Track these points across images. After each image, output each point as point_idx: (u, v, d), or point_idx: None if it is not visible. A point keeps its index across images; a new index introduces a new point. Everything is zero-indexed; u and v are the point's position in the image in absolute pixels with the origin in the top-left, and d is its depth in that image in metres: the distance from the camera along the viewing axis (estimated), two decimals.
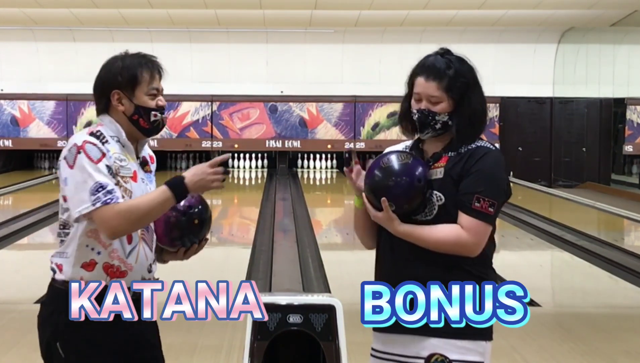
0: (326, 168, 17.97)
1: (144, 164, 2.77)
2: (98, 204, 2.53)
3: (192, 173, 2.62)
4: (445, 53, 2.64)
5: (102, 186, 2.55)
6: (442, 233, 2.52)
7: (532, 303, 6.46)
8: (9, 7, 14.82)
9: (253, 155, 18.02)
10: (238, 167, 18.02)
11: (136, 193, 2.65)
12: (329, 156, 18.00)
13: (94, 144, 2.59)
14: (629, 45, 17.70)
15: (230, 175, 17.60)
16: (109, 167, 2.59)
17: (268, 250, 8.52)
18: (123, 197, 2.60)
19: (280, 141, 17.60)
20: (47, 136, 17.39)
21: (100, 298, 2.56)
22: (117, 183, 2.61)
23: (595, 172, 17.53)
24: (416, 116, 2.63)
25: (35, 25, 16.54)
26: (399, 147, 2.78)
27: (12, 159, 17.84)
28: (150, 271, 2.71)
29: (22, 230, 9.81)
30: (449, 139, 2.62)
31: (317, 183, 17.02)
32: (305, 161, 18.11)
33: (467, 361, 2.52)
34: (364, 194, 2.62)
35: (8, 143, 17.43)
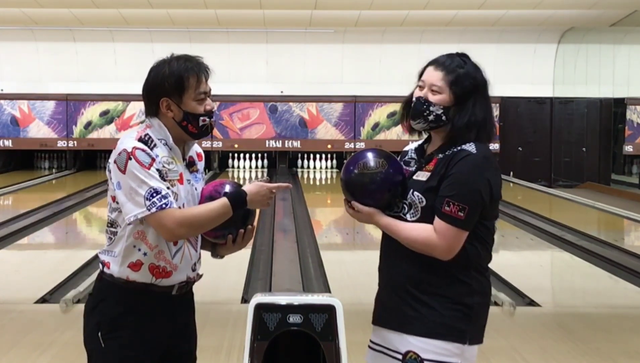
0: (326, 168, 17.97)
1: (190, 164, 2.81)
2: (154, 209, 2.60)
3: (254, 191, 2.73)
4: (463, 55, 2.67)
5: (156, 191, 2.61)
6: (415, 232, 2.56)
7: (532, 303, 6.46)
8: (9, 7, 14.83)
9: (253, 155, 18.02)
10: (238, 167, 18.02)
11: (182, 196, 2.69)
12: (329, 156, 18.01)
13: (143, 150, 2.63)
14: (629, 45, 17.70)
15: (230, 175, 17.60)
16: (159, 171, 2.64)
17: (268, 250, 8.52)
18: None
19: (280, 141, 17.60)
20: (47, 136, 17.38)
21: (145, 294, 2.67)
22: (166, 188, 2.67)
23: (595, 172, 17.53)
24: (413, 103, 2.66)
25: (35, 25, 16.53)
26: (412, 146, 2.81)
27: (12, 159, 17.84)
28: (194, 269, 2.78)
29: (22, 230, 9.81)
30: (443, 141, 2.63)
31: (317, 183, 17.03)
32: (305, 161, 18.12)
33: (441, 362, 2.54)
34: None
35: (8, 143, 17.43)
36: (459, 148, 2.58)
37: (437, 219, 2.53)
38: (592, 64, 17.75)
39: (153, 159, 2.63)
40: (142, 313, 2.68)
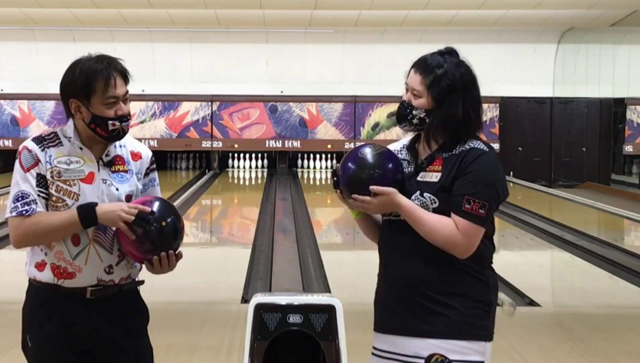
0: (326, 168, 17.97)
1: (110, 164, 2.72)
2: (13, 214, 2.61)
3: (107, 205, 2.63)
4: (446, 53, 2.64)
5: (22, 196, 2.62)
6: (439, 225, 2.52)
7: (532, 303, 6.46)
8: (9, 7, 14.83)
9: (253, 155, 18.02)
10: (238, 167, 18.02)
11: (87, 194, 2.65)
12: (329, 156, 18.00)
13: (30, 151, 2.65)
14: (629, 45, 17.70)
15: (230, 175, 17.60)
16: (40, 175, 2.63)
17: (268, 250, 8.52)
18: (62, 203, 2.62)
19: (280, 141, 17.60)
20: None
21: (55, 295, 2.67)
22: (58, 188, 2.63)
23: (595, 172, 17.53)
24: (398, 107, 2.67)
25: (35, 25, 16.54)
26: (397, 145, 2.78)
27: (12, 159, 17.71)
28: (110, 273, 2.69)
29: None
30: (443, 140, 2.62)
31: (317, 183, 17.02)
32: (305, 161, 18.11)
33: (467, 361, 2.52)
34: (340, 188, 2.65)
35: (8, 143, 17.44)
36: (467, 146, 2.57)
37: (457, 217, 2.51)
38: (592, 64, 17.75)
39: (37, 162, 2.63)
40: (55, 314, 2.68)
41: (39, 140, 2.67)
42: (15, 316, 6.02)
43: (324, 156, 18.02)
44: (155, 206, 2.64)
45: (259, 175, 17.49)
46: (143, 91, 16.63)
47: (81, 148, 2.69)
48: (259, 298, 2.75)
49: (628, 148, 17.67)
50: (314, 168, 18.05)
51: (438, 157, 2.60)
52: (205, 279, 6.87)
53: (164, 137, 17.31)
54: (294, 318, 2.70)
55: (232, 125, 17.50)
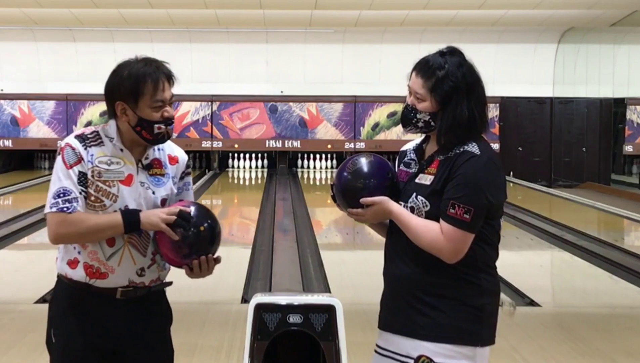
0: (326, 168, 17.97)
1: (148, 167, 2.73)
2: (54, 209, 2.61)
3: (151, 211, 2.64)
4: (447, 53, 2.62)
5: (64, 193, 2.61)
6: (424, 229, 2.52)
7: (532, 303, 6.46)
8: (9, 7, 14.82)
9: (253, 155, 18.01)
10: (238, 167, 18.02)
11: (126, 196, 2.65)
12: (329, 156, 18.00)
13: (73, 148, 2.64)
14: (629, 45, 17.70)
15: (230, 175, 17.60)
16: (82, 173, 2.62)
17: (268, 250, 8.52)
18: (100, 204, 2.62)
19: (280, 141, 17.60)
20: (47, 136, 17.38)
21: (85, 293, 2.66)
22: (97, 188, 2.63)
23: (595, 172, 17.53)
24: (402, 110, 2.66)
25: (35, 25, 16.53)
26: (410, 145, 2.78)
27: (12, 159, 17.84)
28: (141, 275, 2.70)
29: (22, 230, 9.81)
30: (442, 142, 2.62)
31: (317, 183, 17.02)
32: (305, 161, 18.11)
33: None
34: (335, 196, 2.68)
35: (8, 143, 17.43)
36: (461, 149, 2.54)
37: (442, 222, 2.50)
38: (592, 64, 17.74)
39: (79, 160, 2.63)
40: (84, 312, 2.68)
41: (81, 138, 2.67)
42: (16, 316, 6.04)
43: (324, 156, 18.02)
44: (193, 210, 2.64)
45: (259, 175, 17.49)
46: None
47: (122, 150, 2.69)
48: (259, 298, 2.76)
49: (628, 148, 17.67)
50: (314, 168, 18.05)
51: (436, 159, 2.60)
52: (205, 279, 6.86)
53: None
54: (294, 318, 2.70)
55: (232, 125, 17.50)
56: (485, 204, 2.50)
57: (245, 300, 6.29)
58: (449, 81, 2.56)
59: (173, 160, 2.80)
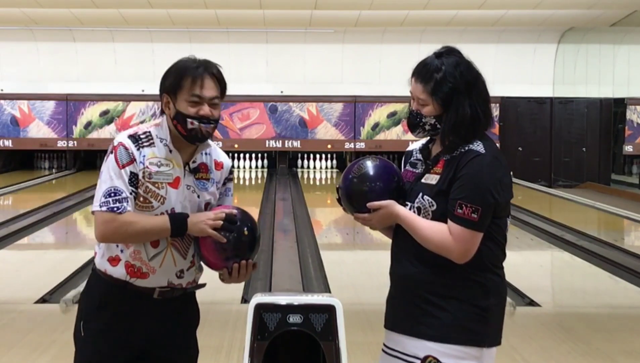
0: (326, 168, 17.97)
1: (195, 171, 2.75)
2: (104, 208, 2.61)
3: (195, 215, 2.66)
4: (444, 53, 2.62)
5: (115, 193, 2.62)
6: (431, 231, 2.52)
7: (532, 303, 6.46)
8: (9, 7, 14.83)
9: (253, 155, 18.02)
10: (238, 167, 18.02)
11: (172, 199, 2.68)
12: (329, 156, 18.00)
13: (127, 148, 2.65)
14: (629, 45, 17.70)
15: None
16: (134, 174, 2.63)
17: (268, 250, 8.51)
18: (147, 205, 2.64)
19: (280, 141, 17.60)
20: (47, 136, 17.38)
21: (123, 291, 2.67)
22: (146, 189, 2.64)
23: (595, 172, 17.53)
24: (407, 116, 2.66)
25: (35, 25, 16.53)
26: (417, 145, 2.79)
27: (12, 159, 17.84)
28: (180, 277, 2.73)
29: (22, 230, 9.81)
30: (455, 141, 2.61)
31: (317, 183, 17.02)
32: (305, 161, 18.11)
33: None
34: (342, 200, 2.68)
35: (8, 143, 17.43)
36: (466, 148, 2.55)
37: (451, 223, 2.50)
38: (592, 64, 17.75)
39: (132, 160, 2.64)
40: (119, 309, 2.69)
41: (134, 138, 2.68)
42: (16, 316, 6.04)
43: (324, 156, 18.02)
44: (237, 214, 2.67)
45: (259, 175, 17.50)
46: (143, 91, 16.64)
47: (171, 151, 2.70)
48: (259, 298, 2.76)
49: (628, 148, 17.67)
50: (314, 168, 18.05)
51: (442, 159, 2.60)
52: (205, 279, 6.86)
53: None
54: (294, 318, 2.70)
55: (232, 125, 17.50)
56: (492, 203, 2.51)
57: (245, 300, 6.29)
58: (447, 82, 2.56)
59: (219, 165, 2.82)
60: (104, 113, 17.28)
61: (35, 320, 5.77)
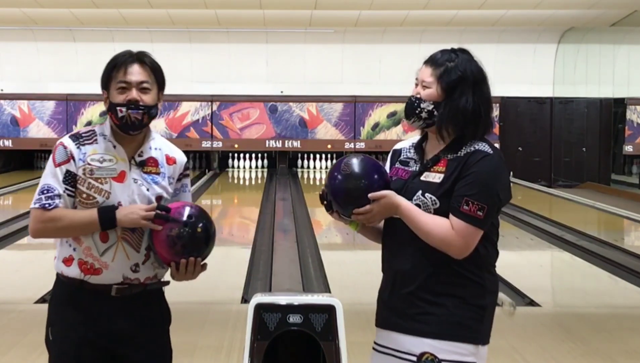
0: (326, 168, 17.96)
1: (141, 164, 2.74)
2: (36, 205, 2.66)
3: (126, 207, 2.66)
4: (458, 50, 2.66)
5: (48, 190, 2.66)
6: (433, 224, 2.52)
7: (532, 303, 6.46)
8: (9, 7, 14.83)
9: (253, 155, 18.02)
10: (238, 167, 18.02)
11: (118, 193, 2.67)
12: (329, 156, 18.00)
13: (65, 147, 2.68)
14: (629, 45, 17.70)
15: (230, 175, 17.60)
16: (69, 172, 2.66)
17: (268, 250, 8.52)
18: (91, 201, 2.65)
19: (280, 141, 17.60)
20: (47, 136, 17.38)
21: (80, 290, 2.68)
22: (89, 185, 2.65)
23: (595, 172, 17.53)
24: (406, 102, 2.67)
25: (35, 25, 16.54)
26: (405, 143, 2.78)
27: (12, 159, 17.84)
28: (136, 271, 2.70)
29: (22, 230, 9.80)
30: (453, 137, 2.62)
31: (317, 183, 17.02)
32: (305, 161, 18.11)
33: (458, 361, 2.51)
34: (327, 197, 2.64)
35: (8, 143, 17.44)
36: (472, 148, 2.56)
37: (454, 218, 2.50)
38: (592, 64, 17.75)
39: (69, 159, 2.67)
40: (79, 309, 2.69)
41: (75, 137, 2.72)
42: (16, 316, 6.04)
43: (324, 156, 18.02)
44: (190, 210, 2.66)
45: (259, 175, 17.50)
46: None
47: (114, 146, 2.71)
48: (259, 298, 2.75)
49: (628, 148, 17.67)
50: (314, 168, 18.05)
51: (443, 158, 2.60)
52: (205, 279, 6.86)
53: (164, 137, 17.26)
54: (294, 318, 2.70)
55: (232, 125, 17.50)
56: (498, 203, 2.54)
57: (245, 300, 6.29)
58: (457, 70, 2.59)
59: (170, 160, 2.80)
60: (104, 113, 17.24)
61: (35, 320, 5.76)
